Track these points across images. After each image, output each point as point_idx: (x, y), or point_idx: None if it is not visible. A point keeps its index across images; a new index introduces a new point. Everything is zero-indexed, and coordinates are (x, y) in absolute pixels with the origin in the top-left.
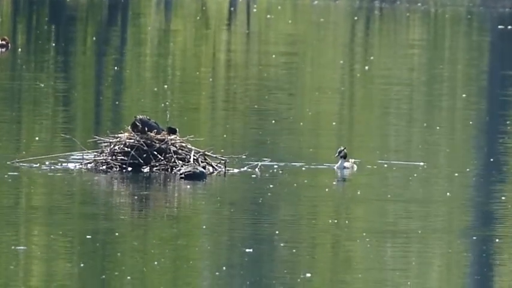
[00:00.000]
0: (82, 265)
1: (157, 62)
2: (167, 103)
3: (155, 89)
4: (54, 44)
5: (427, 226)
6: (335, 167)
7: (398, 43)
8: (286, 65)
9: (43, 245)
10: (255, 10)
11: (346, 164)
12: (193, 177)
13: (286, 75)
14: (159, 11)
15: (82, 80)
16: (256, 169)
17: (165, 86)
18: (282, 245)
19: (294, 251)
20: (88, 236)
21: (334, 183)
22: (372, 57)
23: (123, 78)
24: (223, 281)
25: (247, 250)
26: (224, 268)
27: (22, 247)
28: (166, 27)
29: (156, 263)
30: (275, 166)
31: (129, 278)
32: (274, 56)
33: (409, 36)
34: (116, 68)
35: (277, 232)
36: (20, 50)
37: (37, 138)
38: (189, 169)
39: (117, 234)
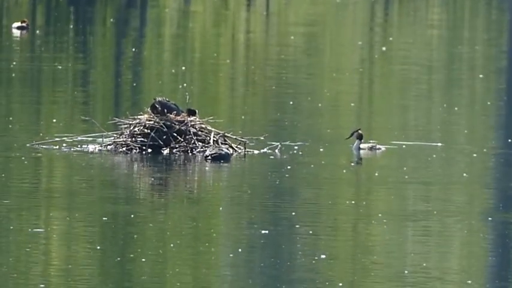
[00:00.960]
0: (98, 247)
1: (177, 43)
2: (186, 85)
3: (174, 71)
4: (73, 26)
5: (446, 208)
6: (352, 148)
7: (417, 23)
8: (304, 45)
9: (60, 227)
10: None
11: (362, 145)
12: (219, 158)
13: (304, 56)
14: None
15: (101, 61)
16: (276, 150)
17: (184, 68)
18: (297, 226)
19: (311, 232)
20: (105, 218)
21: (352, 164)
22: (390, 38)
23: (142, 59)
24: (238, 262)
25: (263, 232)
26: (240, 250)
27: (39, 229)
28: (185, 8)
29: (172, 245)
30: (295, 147)
31: (143, 260)
32: (292, 37)
33: (428, 16)
34: (135, 49)
35: (293, 214)
36: (38, 31)
37: (56, 120)
38: (215, 150)
39: (132, 216)
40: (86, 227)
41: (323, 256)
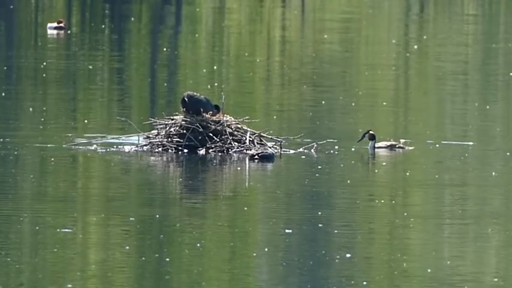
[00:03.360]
0: (127, 247)
1: (212, 41)
2: (222, 83)
3: (210, 69)
4: (108, 24)
5: (480, 209)
6: (368, 149)
7: (452, 19)
8: (339, 43)
9: (93, 228)
10: None
11: (380, 144)
12: (266, 158)
13: (338, 54)
14: None
15: (136, 59)
16: (312, 150)
17: (218, 67)
18: (320, 225)
19: (336, 232)
20: (132, 219)
21: (384, 163)
22: (424, 37)
23: (178, 57)
24: (261, 260)
25: (287, 231)
26: (266, 249)
27: (68, 229)
28: (220, 5)
29: (198, 244)
30: (334, 146)
31: (168, 259)
32: (326, 35)
33: (464, 11)
34: (170, 47)
35: (319, 213)
36: (71, 31)
37: (92, 120)
38: (261, 150)
39: (165, 218)
40: (119, 229)
41: (348, 255)
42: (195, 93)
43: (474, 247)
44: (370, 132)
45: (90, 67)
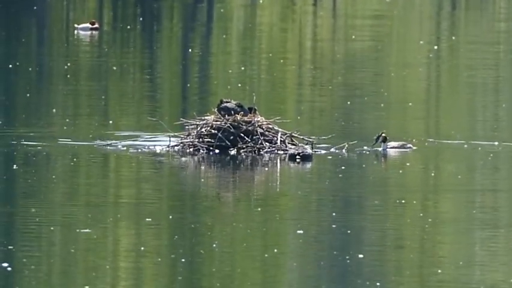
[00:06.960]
0: (142, 248)
1: (243, 39)
2: (252, 82)
3: (240, 68)
4: (140, 22)
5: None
6: (381, 151)
7: (484, 18)
8: (368, 42)
9: (108, 226)
10: None
11: (392, 144)
12: (306, 158)
13: (367, 53)
14: None
15: (168, 58)
16: (343, 150)
17: (249, 66)
18: (333, 226)
19: (349, 232)
20: (148, 219)
21: (408, 164)
22: (453, 37)
23: (209, 56)
24: (272, 261)
25: (298, 232)
26: (275, 250)
27: (87, 230)
28: (252, 3)
29: (214, 245)
30: (364, 147)
31: (183, 260)
32: (353, 36)
33: (496, 9)
34: (201, 45)
35: (334, 214)
36: (105, 30)
37: (124, 119)
38: (301, 150)
39: (171, 217)
40: (148, 231)
41: (360, 256)
42: (229, 104)
43: (505, 255)
44: (383, 134)
45: (116, 67)
